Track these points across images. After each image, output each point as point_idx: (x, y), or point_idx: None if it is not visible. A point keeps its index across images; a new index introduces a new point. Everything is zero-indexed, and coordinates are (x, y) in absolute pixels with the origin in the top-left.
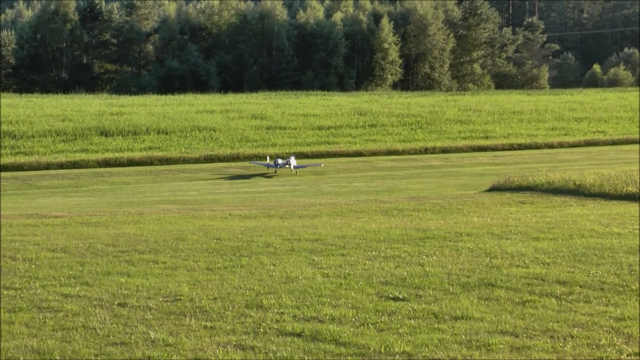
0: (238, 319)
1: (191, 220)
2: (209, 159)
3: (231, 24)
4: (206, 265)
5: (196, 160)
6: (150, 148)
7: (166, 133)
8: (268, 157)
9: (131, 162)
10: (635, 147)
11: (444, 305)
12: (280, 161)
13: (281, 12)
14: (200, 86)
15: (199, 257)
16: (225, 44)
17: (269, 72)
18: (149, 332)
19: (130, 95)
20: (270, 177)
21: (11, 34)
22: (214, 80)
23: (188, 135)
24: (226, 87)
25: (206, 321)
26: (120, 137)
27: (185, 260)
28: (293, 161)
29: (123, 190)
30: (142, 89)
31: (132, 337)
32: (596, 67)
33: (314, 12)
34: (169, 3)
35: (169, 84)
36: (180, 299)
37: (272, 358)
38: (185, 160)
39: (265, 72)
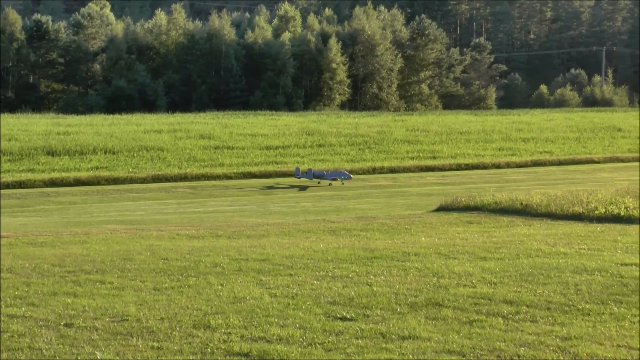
0: (185, 339)
1: (138, 240)
2: (157, 179)
3: (179, 43)
4: (153, 286)
5: (144, 180)
6: (97, 168)
7: (113, 153)
8: (298, 168)
9: (78, 182)
10: (581, 167)
11: (391, 325)
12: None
13: (229, 32)
14: (148, 106)
15: (146, 277)
16: (173, 63)
17: (217, 92)
18: (96, 352)
19: (77, 115)
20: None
21: None
22: (161, 100)
23: (135, 155)
24: (174, 106)
25: (153, 341)
26: (67, 156)
27: (132, 280)
28: (343, 174)
29: (70, 210)
30: (89, 109)
31: (79, 357)
32: (543, 88)
33: (262, 32)
34: (117, 22)
35: (116, 104)
36: (127, 320)
37: None
38: (132, 180)
39: (213, 92)
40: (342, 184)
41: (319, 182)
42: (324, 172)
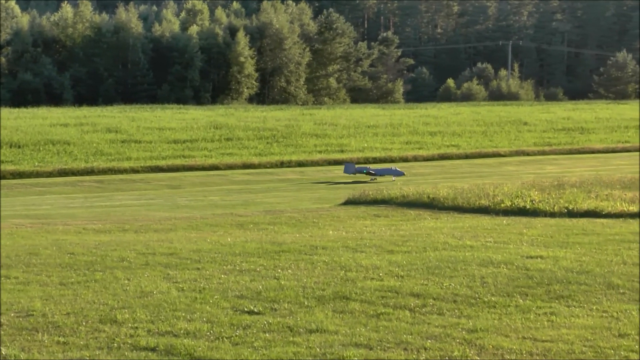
0: (92, 334)
1: (44, 235)
2: (63, 173)
3: (85, 36)
4: (59, 280)
5: (50, 174)
6: (2, 162)
7: (19, 147)
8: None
9: None
10: (488, 160)
11: (299, 319)
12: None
13: (136, 25)
14: (54, 99)
15: (52, 272)
16: (80, 57)
17: (124, 85)
18: (1, 348)
19: None
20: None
21: None
22: (68, 94)
23: (41, 148)
24: (80, 100)
25: (59, 336)
26: None
27: (38, 275)
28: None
29: None
30: None
31: None
32: (450, 82)
33: (169, 25)
34: (22, 15)
35: (22, 97)
36: (33, 315)
37: None
38: (38, 174)
39: (120, 85)
40: (393, 180)
41: (371, 179)
42: (368, 167)
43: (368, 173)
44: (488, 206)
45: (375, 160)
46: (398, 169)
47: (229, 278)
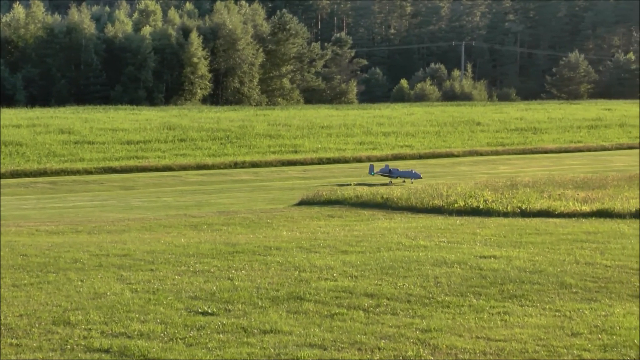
0: (45, 335)
1: None
2: (15, 174)
3: (38, 37)
4: (12, 282)
5: (2, 176)
6: None
7: None
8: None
9: None
10: (441, 161)
11: (253, 319)
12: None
13: (89, 26)
14: (6, 100)
15: (4, 274)
16: (32, 57)
17: (77, 86)
18: None
19: None
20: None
21: None
22: (20, 95)
23: None
24: (33, 101)
25: (12, 338)
26: None
27: None
28: (413, 174)
29: None
30: None
31: None
32: (403, 82)
33: (122, 25)
34: None
35: None
36: None
37: None
38: None
39: (73, 86)
40: (412, 182)
41: (390, 182)
42: (389, 169)
43: (384, 175)
44: (442, 206)
45: (329, 161)
46: (416, 171)
47: (183, 279)
